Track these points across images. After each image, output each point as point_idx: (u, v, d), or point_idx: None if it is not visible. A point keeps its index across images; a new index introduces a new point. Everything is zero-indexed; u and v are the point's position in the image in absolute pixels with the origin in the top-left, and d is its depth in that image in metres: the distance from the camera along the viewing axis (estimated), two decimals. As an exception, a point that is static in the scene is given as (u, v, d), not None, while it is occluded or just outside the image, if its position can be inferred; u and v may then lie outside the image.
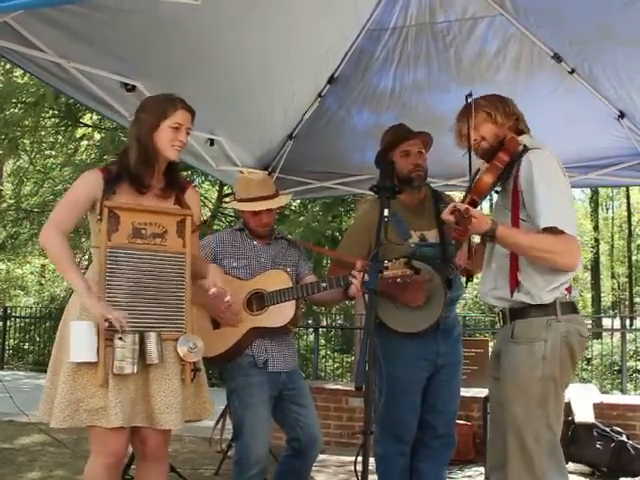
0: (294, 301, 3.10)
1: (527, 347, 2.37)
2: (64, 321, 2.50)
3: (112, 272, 2.47)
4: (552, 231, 2.30)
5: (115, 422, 2.32)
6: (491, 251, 2.59)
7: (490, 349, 8.56)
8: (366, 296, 2.39)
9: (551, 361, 2.33)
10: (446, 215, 2.38)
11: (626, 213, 18.80)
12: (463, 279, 3.16)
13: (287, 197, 3.34)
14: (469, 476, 4.68)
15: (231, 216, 11.91)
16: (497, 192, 2.63)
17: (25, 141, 11.43)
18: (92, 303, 2.36)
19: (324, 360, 11.69)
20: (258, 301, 3.13)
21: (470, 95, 2.56)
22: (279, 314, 3.10)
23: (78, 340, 2.35)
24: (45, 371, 2.51)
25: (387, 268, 2.77)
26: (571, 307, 2.44)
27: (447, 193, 3.56)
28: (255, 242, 3.28)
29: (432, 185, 3.52)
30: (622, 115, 4.10)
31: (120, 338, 2.35)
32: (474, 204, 2.43)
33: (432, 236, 3.20)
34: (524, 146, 2.49)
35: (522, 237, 2.38)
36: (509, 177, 2.49)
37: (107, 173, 2.53)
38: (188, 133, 2.57)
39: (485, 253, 2.63)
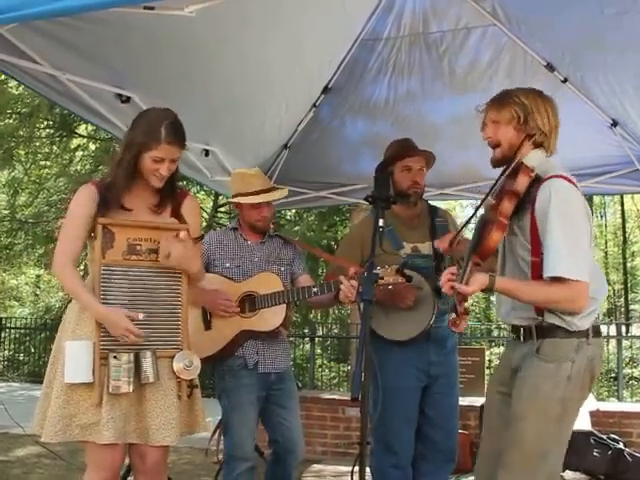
0: (284, 305, 3.12)
1: (555, 366, 2.29)
2: (59, 337, 2.50)
3: (106, 290, 2.45)
4: (557, 280, 2.21)
5: (107, 439, 2.32)
6: (502, 274, 2.49)
7: (486, 358, 8.57)
8: (361, 306, 2.38)
9: (574, 383, 2.28)
10: (446, 289, 2.28)
11: (620, 220, 18.84)
12: None
13: (284, 190, 3.37)
14: (466, 485, 4.67)
15: (227, 225, 11.89)
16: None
17: (20, 152, 11.41)
18: (112, 321, 2.36)
19: (320, 370, 11.65)
20: (250, 303, 3.15)
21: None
22: (270, 318, 3.12)
23: (73, 361, 2.34)
24: (40, 382, 2.51)
25: (382, 278, 2.77)
26: (598, 330, 2.38)
27: (444, 208, 3.57)
28: (249, 242, 3.28)
29: (426, 194, 3.53)
30: (615, 124, 4.12)
31: (115, 357, 2.34)
32: (478, 266, 2.32)
33: (426, 249, 3.21)
34: (536, 175, 2.31)
35: (521, 294, 2.31)
36: (524, 205, 2.33)
37: (101, 187, 2.51)
38: (175, 161, 2.51)
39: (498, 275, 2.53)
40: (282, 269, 3.27)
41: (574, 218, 2.26)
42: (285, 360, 3.28)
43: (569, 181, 2.31)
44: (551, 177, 2.30)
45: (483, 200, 2.48)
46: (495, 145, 2.45)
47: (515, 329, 2.47)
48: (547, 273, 2.23)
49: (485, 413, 2.62)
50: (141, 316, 2.38)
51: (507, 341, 2.67)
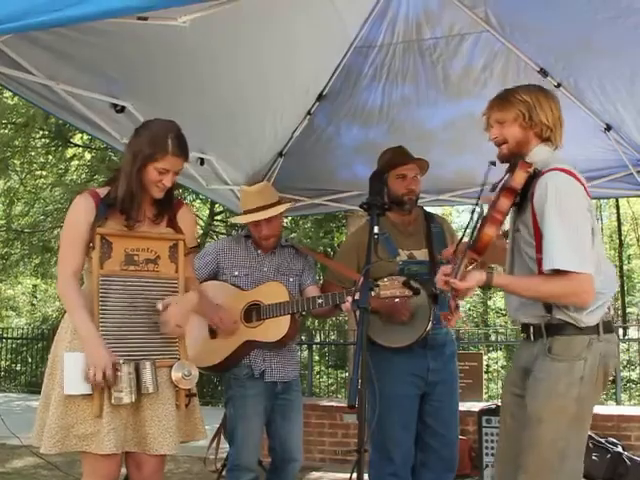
0: (289, 316, 3.09)
1: (567, 365, 2.26)
2: (55, 346, 2.48)
3: (105, 301, 2.45)
4: (557, 273, 2.18)
5: (107, 449, 2.30)
6: (512, 273, 2.47)
7: (484, 362, 8.57)
8: (357, 313, 2.37)
9: (588, 382, 2.25)
10: (440, 284, 2.29)
11: (616, 223, 18.90)
12: None
13: (284, 205, 3.25)
14: (465, 491, 4.67)
15: (223, 234, 11.91)
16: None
17: (15, 161, 11.42)
18: (98, 350, 2.33)
19: (318, 376, 11.65)
20: (256, 313, 3.14)
21: None
22: (274, 328, 3.10)
23: (71, 372, 2.33)
24: (38, 392, 2.50)
25: (378, 286, 2.75)
26: (610, 326, 2.34)
27: (439, 214, 3.57)
28: (259, 251, 3.27)
29: (422, 200, 3.54)
30: (609, 128, 4.13)
31: (116, 368, 2.34)
32: (474, 262, 2.31)
33: (421, 255, 3.21)
34: (534, 170, 2.31)
35: (521, 289, 2.29)
36: (525, 201, 2.32)
37: (98, 197, 2.50)
38: (178, 173, 2.53)
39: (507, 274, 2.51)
40: (291, 280, 3.25)
41: (572, 209, 2.23)
42: (292, 370, 3.25)
43: (568, 173, 2.28)
44: (549, 170, 2.29)
45: (478, 198, 2.46)
46: (502, 143, 2.45)
47: (524, 327, 2.43)
48: (546, 266, 2.20)
49: (500, 416, 2.58)
50: (126, 369, 2.35)
51: (520, 342, 2.61)
